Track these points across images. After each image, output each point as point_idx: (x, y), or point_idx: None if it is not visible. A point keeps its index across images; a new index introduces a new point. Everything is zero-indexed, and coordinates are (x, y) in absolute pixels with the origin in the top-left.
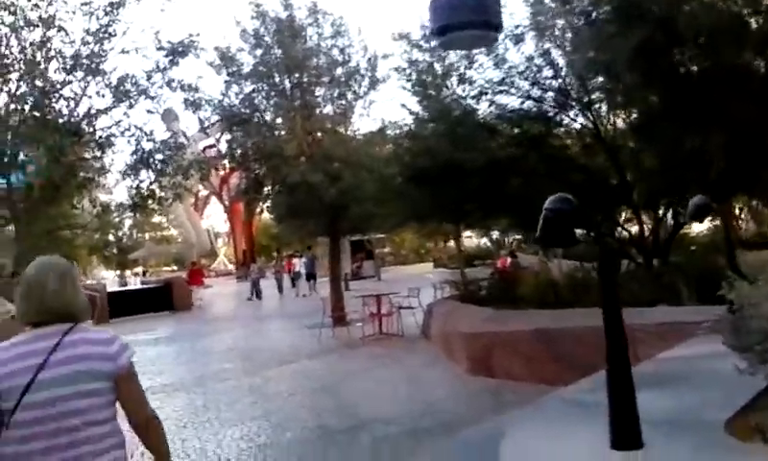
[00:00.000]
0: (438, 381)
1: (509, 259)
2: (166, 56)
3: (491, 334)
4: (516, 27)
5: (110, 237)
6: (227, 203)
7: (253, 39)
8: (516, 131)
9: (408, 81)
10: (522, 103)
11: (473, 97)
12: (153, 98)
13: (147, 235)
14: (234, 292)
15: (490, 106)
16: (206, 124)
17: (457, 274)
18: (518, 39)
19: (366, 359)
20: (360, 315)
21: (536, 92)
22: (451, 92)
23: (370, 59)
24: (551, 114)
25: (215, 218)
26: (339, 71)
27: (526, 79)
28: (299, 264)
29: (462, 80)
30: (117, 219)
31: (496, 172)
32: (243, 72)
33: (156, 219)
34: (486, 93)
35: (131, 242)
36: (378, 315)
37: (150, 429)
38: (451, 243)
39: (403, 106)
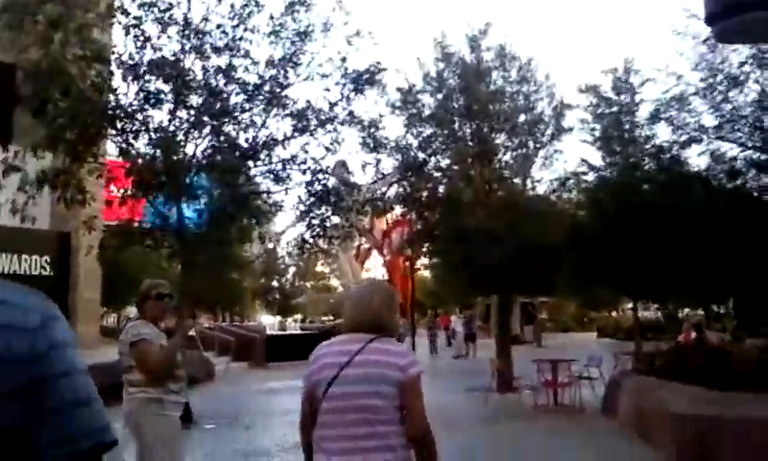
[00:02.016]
0: None
1: (693, 334)
2: (352, 81)
3: (712, 419)
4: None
5: (274, 283)
6: (387, 257)
7: (436, 83)
8: (734, 184)
9: (592, 133)
10: (743, 151)
11: (680, 144)
12: (333, 132)
13: (309, 283)
14: None
15: (701, 154)
16: (381, 168)
17: (626, 346)
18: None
19: (544, 434)
20: (530, 382)
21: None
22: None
23: (556, 106)
24: None
25: (374, 272)
26: (522, 118)
27: (747, 125)
28: (455, 322)
29: (669, 122)
30: (282, 266)
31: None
32: (423, 115)
33: (319, 268)
34: (698, 141)
35: (292, 288)
36: (554, 383)
37: (425, 443)
38: (614, 313)
39: (584, 161)
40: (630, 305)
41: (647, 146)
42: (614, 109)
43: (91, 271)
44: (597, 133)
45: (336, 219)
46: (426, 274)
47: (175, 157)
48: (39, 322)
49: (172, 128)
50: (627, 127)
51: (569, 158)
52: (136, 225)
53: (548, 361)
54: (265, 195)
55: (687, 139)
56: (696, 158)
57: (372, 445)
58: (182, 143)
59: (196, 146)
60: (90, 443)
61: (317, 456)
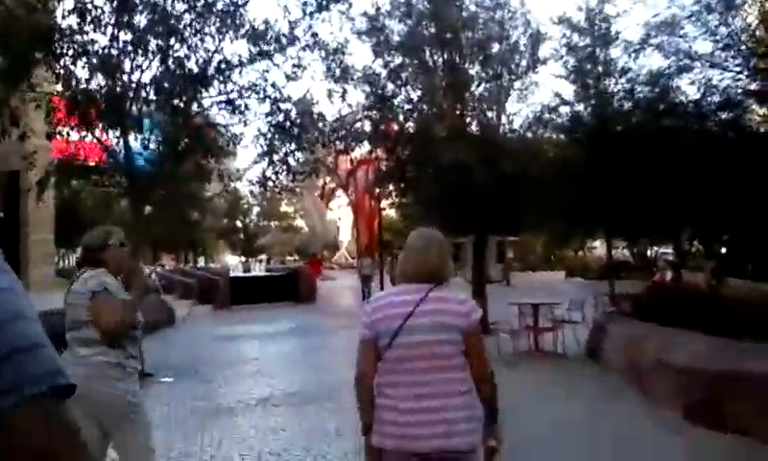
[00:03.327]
0: (644, 428)
1: (668, 274)
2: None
3: (727, 374)
4: None
5: (238, 223)
6: (352, 196)
7: (404, 8)
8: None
9: (565, 66)
10: (737, 80)
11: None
12: (295, 58)
13: (273, 224)
14: (354, 286)
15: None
16: (348, 99)
17: (596, 286)
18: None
19: (529, 383)
20: (507, 325)
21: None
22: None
23: (531, 35)
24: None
25: (339, 212)
26: (496, 48)
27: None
28: None
29: (659, 48)
30: (246, 206)
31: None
32: (392, 43)
33: (284, 208)
34: (689, 70)
35: (257, 229)
36: (536, 328)
37: (486, 384)
38: (580, 252)
39: (558, 95)
40: (596, 244)
41: (630, 75)
42: (588, 41)
43: (43, 211)
44: (570, 67)
45: (300, 154)
46: (392, 213)
47: (117, 83)
48: None
49: (115, 52)
50: (602, 59)
51: (545, 92)
52: (80, 161)
53: (529, 304)
54: (221, 127)
55: (678, 67)
56: (688, 88)
57: (439, 390)
58: (126, 69)
59: (141, 71)
60: (37, 389)
61: (381, 403)
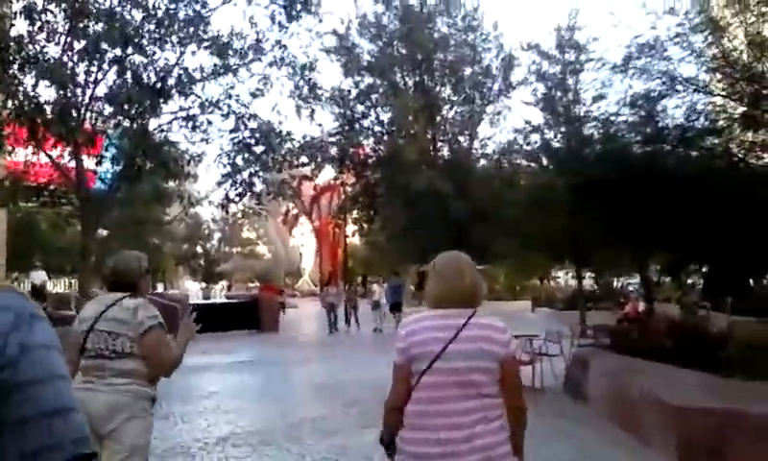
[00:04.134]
0: None
1: (641, 305)
2: (284, 6)
3: (726, 413)
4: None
5: (198, 249)
6: (316, 223)
7: (375, 28)
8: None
9: (534, 94)
10: (724, 105)
11: (652, 99)
12: (261, 75)
13: (235, 250)
14: (318, 314)
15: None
16: (316, 119)
17: (565, 317)
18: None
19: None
20: None
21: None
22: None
23: (504, 59)
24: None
25: (302, 239)
26: (468, 71)
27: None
28: (378, 292)
29: (641, 72)
30: (207, 231)
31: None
32: (362, 62)
33: (246, 234)
34: (673, 93)
35: (218, 254)
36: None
37: (519, 417)
38: (548, 282)
39: (528, 122)
40: (559, 274)
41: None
42: (558, 68)
43: None
44: (540, 94)
45: (265, 175)
46: (356, 240)
47: (68, 93)
48: (12, 322)
49: (68, 62)
50: (572, 86)
51: (517, 118)
52: (27, 180)
53: None
54: (182, 144)
55: (660, 91)
56: (672, 112)
57: (475, 418)
58: (80, 79)
59: (96, 82)
60: (62, 457)
61: (412, 433)
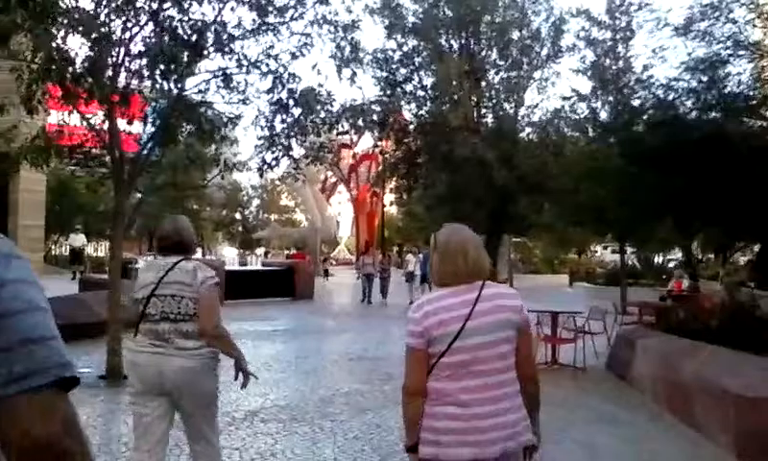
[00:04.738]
0: None
1: (685, 282)
2: None
3: None
4: None
5: (237, 215)
6: (354, 192)
7: None
8: None
9: (582, 62)
10: None
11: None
12: (302, 35)
13: (273, 217)
14: (353, 284)
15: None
16: (358, 81)
17: (605, 292)
18: None
19: (551, 403)
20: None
21: None
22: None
23: (554, 22)
24: None
25: (340, 208)
26: (516, 34)
27: None
28: (412, 262)
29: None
30: (245, 197)
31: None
32: (406, 25)
33: (284, 201)
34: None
35: (256, 221)
36: (555, 339)
37: (534, 383)
38: (586, 256)
39: (576, 92)
40: (597, 248)
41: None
42: (608, 34)
43: (33, 196)
44: (587, 62)
45: (304, 138)
46: (393, 210)
47: (101, 46)
48: None
49: (102, 16)
50: (621, 53)
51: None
52: (59, 138)
53: (548, 312)
54: (219, 106)
55: (724, 56)
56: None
57: (501, 393)
58: (115, 35)
59: (130, 37)
60: (43, 380)
61: (436, 407)
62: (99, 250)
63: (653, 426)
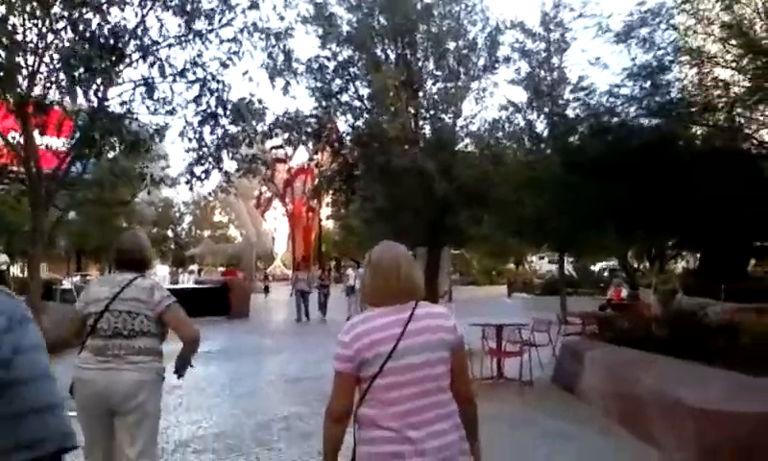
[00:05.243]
0: None
1: (623, 291)
2: None
3: (759, 417)
4: None
5: (168, 232)
6: (289, 206)
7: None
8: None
9: (517, 73)
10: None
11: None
12: (232, 42)
13: (206, 233)
14: (290, 300)
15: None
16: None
17: (543, 303)
18: None
19: (499, 419)
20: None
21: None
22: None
23: (491, 32)
24: None
25: (275, 223)
26: (452, 44)
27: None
28: (352, 276)
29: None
30: (177, 214)
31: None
32: (341, 34)
33: (217, 217)
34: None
35: (189, 238)
36: (500, 352)
37: (471, 403)
38: (524, 267)
39: (512, 103)
40: (533, 259)
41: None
42: (542, 46)
43: None
44: (524, 73)
45: (235, 149)
46: (330, 224)
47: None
48: (5, 325)
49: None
50: (556, 64)
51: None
52: None
53: (493, 325)
54: (143, 117)
55: (665, 62)
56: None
57: (434, 414)
58: (23, 36)
59: (46, 45)
60: (54, 447)
61: (375, 431)
62: (25, 271)
63: (604, 442)
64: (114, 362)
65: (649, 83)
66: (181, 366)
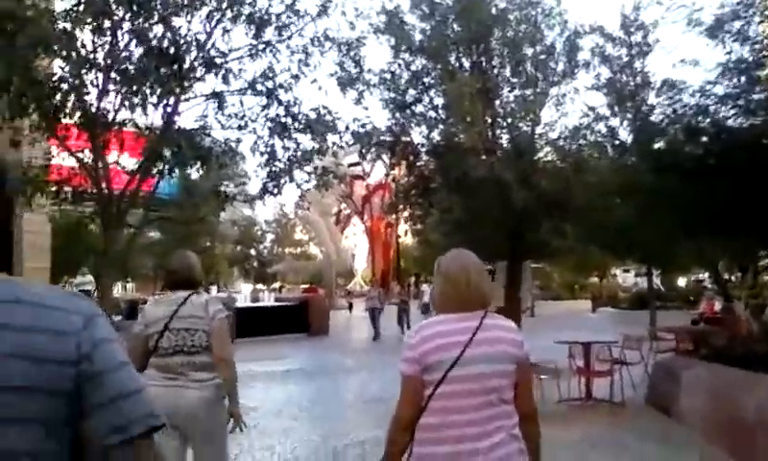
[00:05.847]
0: None
1: (716, 304)
2: None
3: None
4: None
5: (251, 251)
6: (368, 223)
7: (427, 6)
8: None
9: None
10: None
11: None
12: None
13: (287, 250)
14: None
15: None
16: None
17: (631, 317)
18: None
19: (589, 444)
20: (552, 365)
21: None
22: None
23: (569, 37)
24: None
25: (354, 239)
26: (529, 50)
27: None
28: (428, 292)
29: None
30: (259, 232)
31: None
32: (413, 44)
33: (298, 235)
34: None
35: (270, 256)
36: (589, 372)
37: (533, 421)
38: (608, 280)
39: (592, 109)
40: (616, 272)
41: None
42: (624, 50)
43: (37, 238)
44: (603, 79)
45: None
46: (408, 240)
47: (80, 70)
48: (82, 324)
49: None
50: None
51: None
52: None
53: (580, 343)
54: (215, 132)
55: (761, 57)
56: None
57: (495, 426)
58: (93, 52)
59: (113, 61)
60: (140, 428)
61: (431, 447)
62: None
63: None
64: (179, 380)
65: (744, 79)
66: (231, 416)
